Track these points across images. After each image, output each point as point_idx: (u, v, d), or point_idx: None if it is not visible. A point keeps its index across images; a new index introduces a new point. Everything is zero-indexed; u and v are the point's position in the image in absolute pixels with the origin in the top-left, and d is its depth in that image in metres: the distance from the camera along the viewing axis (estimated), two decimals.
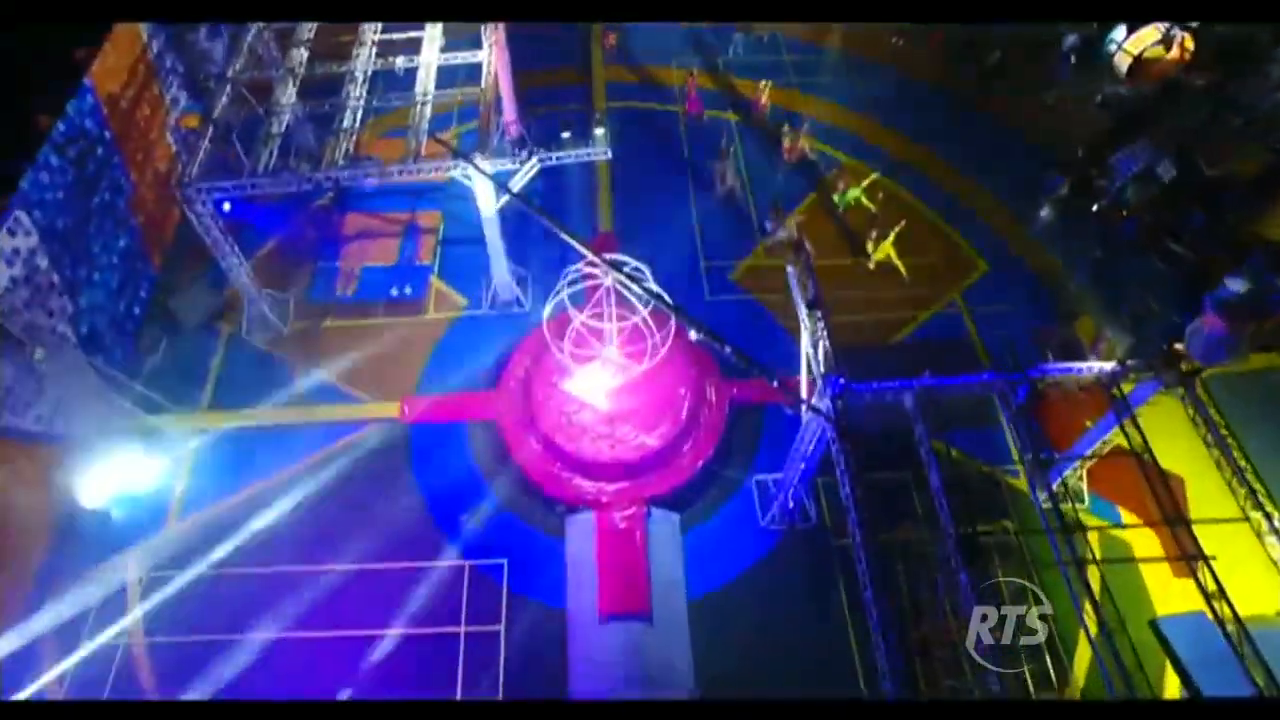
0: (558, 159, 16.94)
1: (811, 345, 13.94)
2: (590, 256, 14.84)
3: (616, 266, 14.74)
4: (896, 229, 20.89)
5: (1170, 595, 15.86)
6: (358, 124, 17.83)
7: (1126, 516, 17.51)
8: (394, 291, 20.47)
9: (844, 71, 26.87)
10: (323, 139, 18.48)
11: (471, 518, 17.08)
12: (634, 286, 14.50)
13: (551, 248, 21.67)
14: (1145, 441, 13.09)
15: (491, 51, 18.99)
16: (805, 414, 14.33)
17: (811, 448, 14.96)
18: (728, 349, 13.42)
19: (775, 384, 13.43)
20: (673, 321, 17.20)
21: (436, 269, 21.34)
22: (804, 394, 14.78)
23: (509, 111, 23.51)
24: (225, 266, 18.47)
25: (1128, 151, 22.05)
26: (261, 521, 17.04)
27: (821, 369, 13.65)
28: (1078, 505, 17.55)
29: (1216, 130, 23.04)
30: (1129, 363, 13.81)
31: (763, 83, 24.29)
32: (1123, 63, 25.40)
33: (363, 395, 19.13)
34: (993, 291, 21.27)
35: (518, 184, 17.34)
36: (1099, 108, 25.52)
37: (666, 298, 15.72)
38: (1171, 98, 24.71)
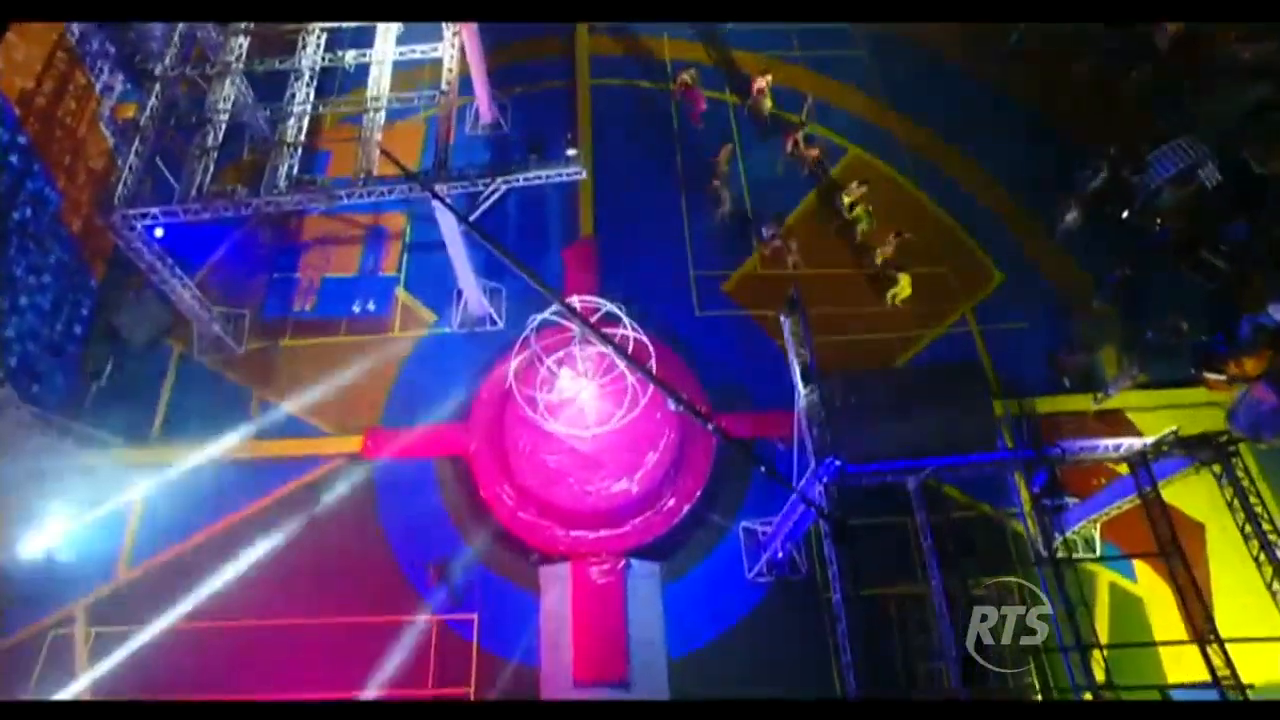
0: (525, 180, 15.00)
1: (805, 421, 12.44)
2: (558, 304, 13.15)
3: (589, 322, 13.05)
4: (905, 278, 18.90)
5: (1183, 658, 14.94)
6: (302, 135, 15.78)
7: (1139, 565, 16.38)
8: (355, 308, 18.80)
9: (853, 42, 24.18)
10: (275, 120, 16.25)
11: (439, 569, 15.92)
12: (607, 348, 12.85)
13: (526, 257, 19.81)
14: (1177, 543, 11.68)
15: (454, 44, 16.68)
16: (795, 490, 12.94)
17: (799, 515, 13.71)
18: (710, 426, 12.01)
19: (763, 470, 12.06)
20: (653, 356, 15.66)
21: (402, 280, 19.59)
22: (796, 445, 13.44)
23: (481, 96, 21.31)
24: (167, 290, 16.81)
25: (1166, 150, 19.82)
26: (216, 571, 15.98)
27: (815, 449, 12.22)
28: (1088, 555, 16.39)
29: (1268, 117, 20.76)
30: (1165, 442, 12.27)
31: (766, 77, 21.72)
32: (1164, 34, 22.91)
33: (323, 426, 17.75)
34: (1008, 307, 19.52)
35: (484, 206, 15.45)
36: (1135, 85, 23.10)
37: (646, 363, 14.19)
38: (1219, 74, 22.31)
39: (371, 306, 18.84)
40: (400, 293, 19.41)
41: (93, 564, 16.17)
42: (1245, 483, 12.05)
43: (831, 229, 20.50)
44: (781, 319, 13.37)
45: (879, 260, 19.37)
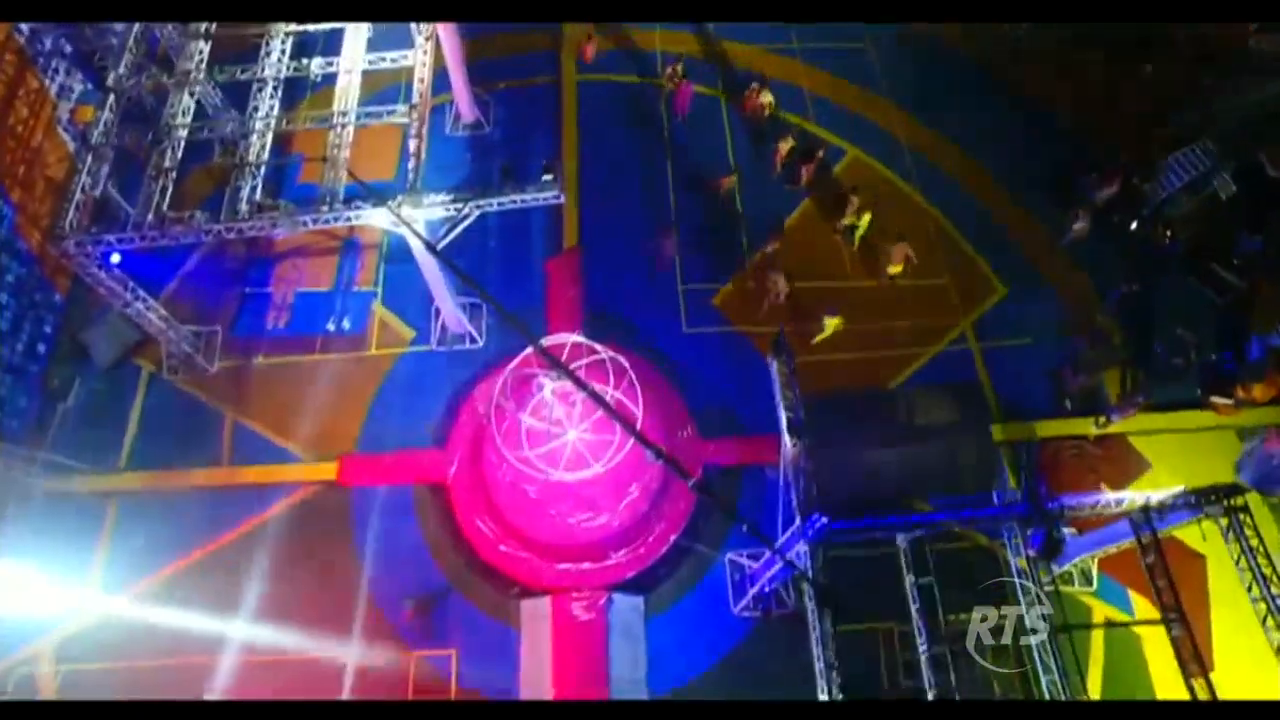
0: (499, 205, 14.17)
1: (791, 474, 11.82)
2: (533, 346, 12.45)
3: (561, 362, 12.38)
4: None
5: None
6: (265, 153, 14.88)
7: (1136, 600, 15.91)
8: (330, 326, 18.07)
9: (854, 35, 22.85)
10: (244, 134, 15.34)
11: (417, 603, 15.47)
12: (584, 393, 12.18)
13: (507, 268, 19.11)
14: (1180, 608, 11.13)
15: (426, 51, 15.67)
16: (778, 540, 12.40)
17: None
18: (691, 482, 11.41)
19: (745, 528, 11.50)
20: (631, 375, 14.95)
21: (379, 295, 18.81)
22: (781, 495, 12.88)
23: (461, 95, 20.29)
24: (131, 313, 16.09)
25: (1179, 156, 18.83)
26: (188, 605, 15.53)
27: (800, 504, 11.63)
28: (1084, 589, 15.94)
29: None
30: (1173, 496, 11.67)
31: (762, 94, 20.63)
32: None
33: (298, 451, 17.16)
34: (1010, 321, 18.73)
35: (456, 230, 14.62)
36: (1149, 76, 21.97)
37: (621, 412, 13.47)
38: (1237, 68, 21.19)
39: (347, 324, 18.11)
40: (377, 308, 18.65)
41: (59, 600, 15.69)
42: (1254, 541, 11.47)
43: (827, 239, 19.64)
44: (769, 360, 12.70)
45: (891, 272, 18.57)
